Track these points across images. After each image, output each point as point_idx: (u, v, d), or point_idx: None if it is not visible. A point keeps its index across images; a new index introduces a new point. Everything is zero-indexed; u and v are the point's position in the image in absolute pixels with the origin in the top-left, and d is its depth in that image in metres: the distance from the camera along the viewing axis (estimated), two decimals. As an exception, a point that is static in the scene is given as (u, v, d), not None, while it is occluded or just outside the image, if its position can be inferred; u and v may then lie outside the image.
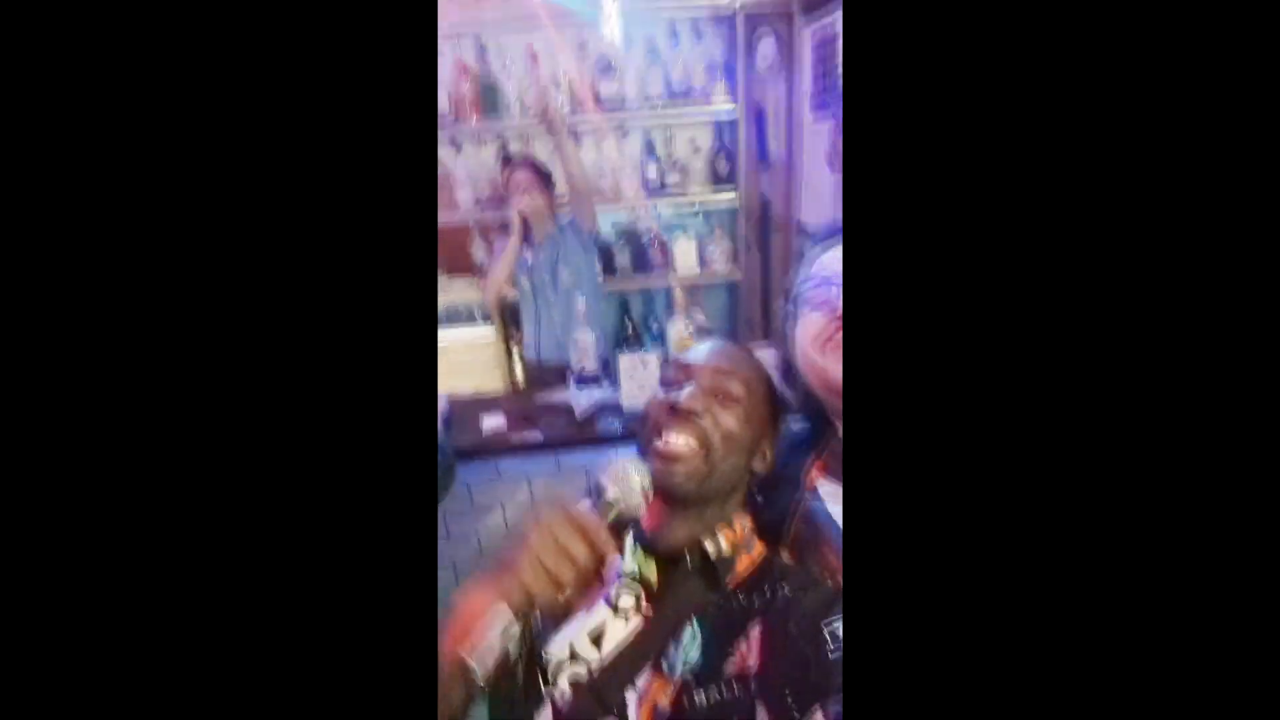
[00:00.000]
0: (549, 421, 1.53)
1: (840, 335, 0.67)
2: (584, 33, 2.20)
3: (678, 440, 0.59)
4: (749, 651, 0.55)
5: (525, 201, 1.84)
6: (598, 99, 2.23)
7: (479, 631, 0.49)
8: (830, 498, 0.70)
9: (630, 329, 2.37)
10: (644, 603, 0.61)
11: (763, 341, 2.19)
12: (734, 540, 0.62)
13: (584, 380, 1.60)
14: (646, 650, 0.57)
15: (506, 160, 2.02)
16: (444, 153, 2.31)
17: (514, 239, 1.89)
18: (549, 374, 1.86)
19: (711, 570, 0.60)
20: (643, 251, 2.42)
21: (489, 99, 2.21)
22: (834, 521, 0.69)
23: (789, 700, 0.51)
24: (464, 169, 2.29)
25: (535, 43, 2.21)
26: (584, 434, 1.51)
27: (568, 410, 1.56)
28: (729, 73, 2.22)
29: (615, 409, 1.54)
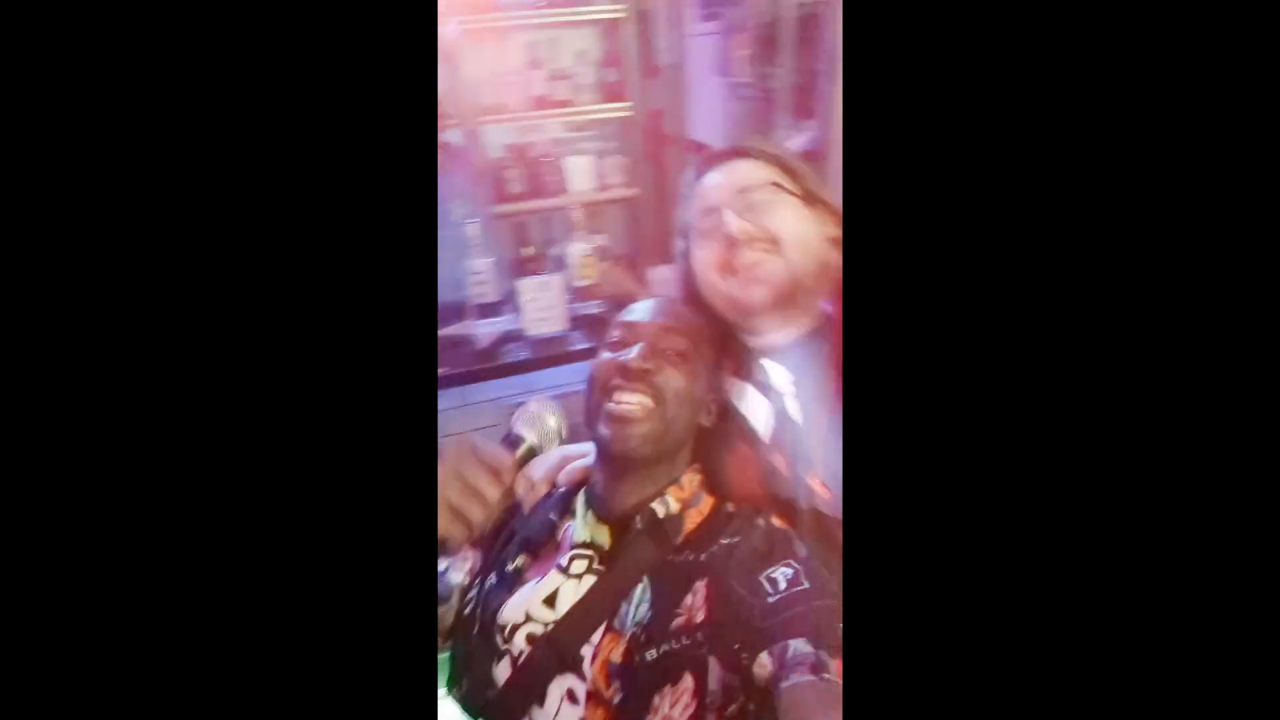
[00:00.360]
0: (450, 356, 1.47)
1: (741, 257, 0.66)
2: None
3: (631, 401, 0.59)
4: (695, 605, 0.56)
5: None
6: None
7: None
8: (739, 395, 0.72)
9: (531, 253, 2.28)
10: (596, 564, 0.62)
11: (663, 265, 2.19)
12: (683, 498, 0.63)
13: (482, 309, 1.54)
14: (599, 608, 0.58)
15: None
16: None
17: None
18: (445, 312, 1.77)
19: (661, 531, 0.61)
20: (535, 171, 2.30)
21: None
22: (746, 416, 0.72)
23: (736, 649, 0.52)
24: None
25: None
26: (489, 365, 1.47)
27: (470, 342, 1.50)
28: (611, -29, 2.08)
29: (519, 336, 1.50)
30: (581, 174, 2.30)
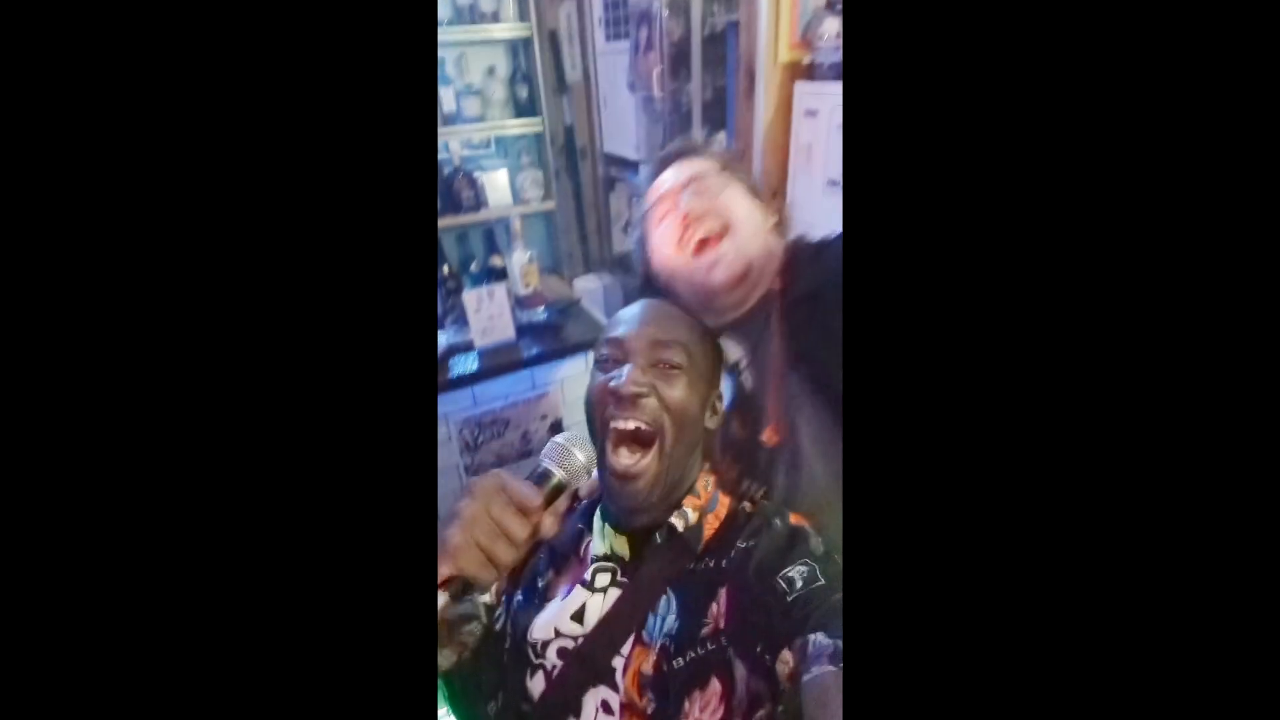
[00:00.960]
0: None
1: (698, 227, 0.70)
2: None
3: (629, 460, 0.59)
4: (719, 612, 0.56)
5: None
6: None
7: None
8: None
9: (471, 266, 2.25)
10: (619, 576, 0.62)
11: (586, 273, 2.24)
12: (699, 506, 0.63)
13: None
14: (627, 620, 0.58)
15: None
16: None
17: None
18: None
19: (681, 543, 0.61)
20: (451, 190, 2.28)
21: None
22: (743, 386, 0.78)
23: (759, 650, 0.52)
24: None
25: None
26: (441, 378, 1.45)
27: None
28: (516, -8, 2.13)
29: (468, 347, 1.50)
30: (499, 189, 2.31)
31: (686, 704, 0.53)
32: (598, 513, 0.67)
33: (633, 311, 0.67)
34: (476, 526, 0.48)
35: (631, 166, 2.03)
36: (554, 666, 0.59)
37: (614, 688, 0.56)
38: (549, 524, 0.51)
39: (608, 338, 0.65)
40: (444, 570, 0.47)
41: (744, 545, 0.59)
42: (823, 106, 1.37)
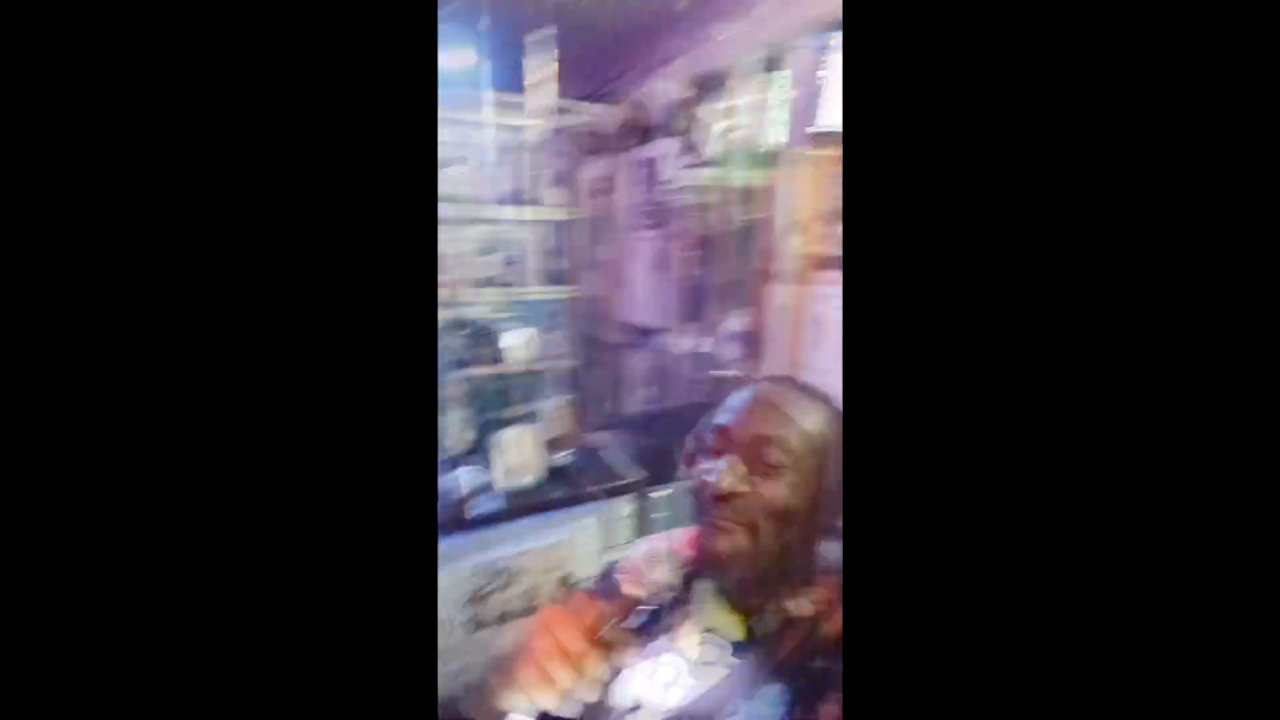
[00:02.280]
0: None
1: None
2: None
3: (720, 544, 0.55)
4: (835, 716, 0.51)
5: None
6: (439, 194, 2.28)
7: None
8: None
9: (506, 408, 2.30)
10: (721, 654, 0.57)
11: (599, 431, 2.31)
12: (823, 599, 0.58)
13: (454, 462, 1.54)
14: (724, 705, 0.54)
15: None
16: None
17: None
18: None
19: (795, 633, 0.56)
20: (478, 342, 2.42)
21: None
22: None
23: None
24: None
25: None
26: (460, 517, 1.44)
27: (449, 494, 1.48)
28: (562, 182, 2.46)
29: (488, 488, 1.50)
30: (518, 346, 2.46)
31: None
32: (704, 583, 0.62)
33: (741, 398, 0.61)
34: (545, 656, 0.48)
35: (648, 334, 2.19)
36: None
37: None
38: (619, 650, 0.50)
39: (714, 424, 0.60)
40: (514, 698, 0.48)
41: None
42: (836, 294, 1.56)
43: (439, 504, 1.45)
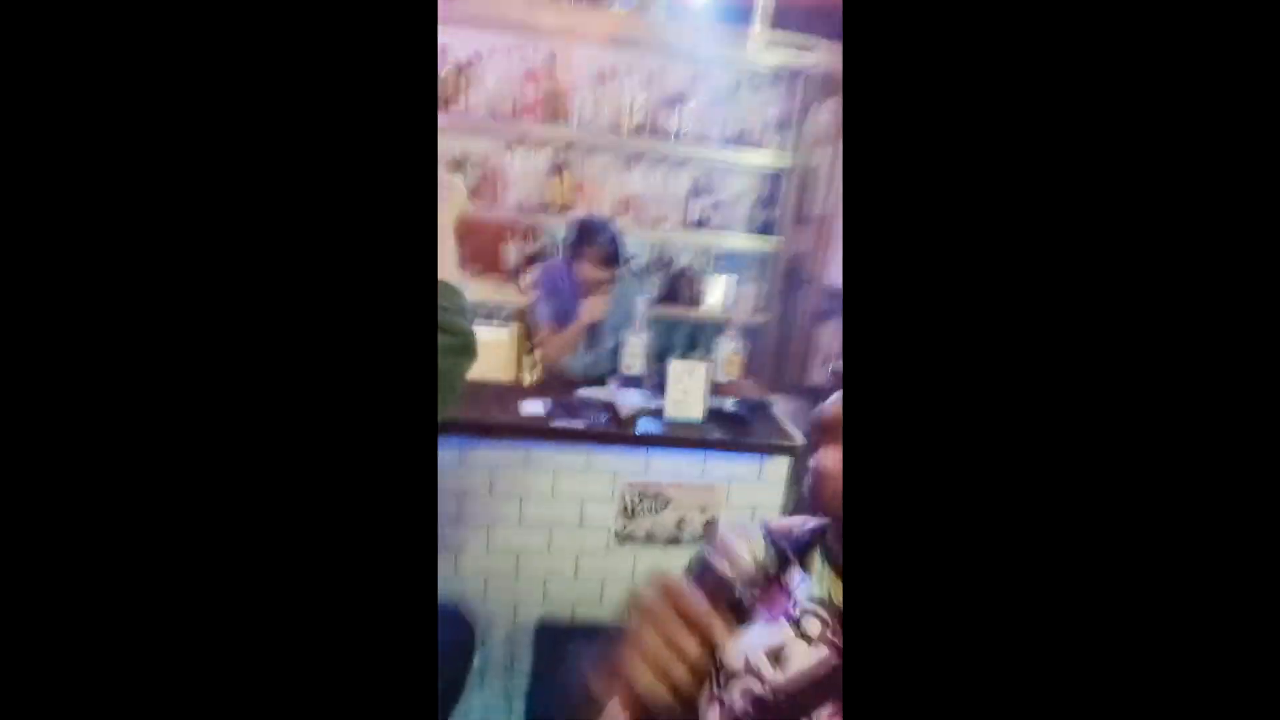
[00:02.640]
0: (592, 414, 1.50)
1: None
2: (659, 62, 2.30)
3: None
4: None
5: (597, 306, 1.84)
6: (657, 129, 2.32)
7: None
8: None
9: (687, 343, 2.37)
10: (831, 633, 0.56)
11: (775, 394, 2.22)
12: None
13: (629, 380, 1.58)
14: (833, 688, 0.52)
15: (577, 237, 1.87)
16: (499, 149, 2.34)
17: (577, 329, 1.88)
18: (571, 386, 1.84)
19: None
20: (675, 284, 2.46)
21: (551, 106, 2.27)
22: None
23: None
24: (516, 169, 2.32)
25: (609, 60, 2.29)
26: (621, 433, 1.48)
27: (610, 407, 1.53)
28: (784, 129, 2.35)
29: (657, 413, 1.52)
30: (715, 294, 2.44)
31: None
32: (818, 550, 0.60)
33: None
34: (647, 648, 0.47)
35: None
36: (737, 709, 0.54)
37: None
38: (720, 632, 0.49)
39: (813, 419, 0.62)
40: (620, 694, 0.47)
41: None
42: None
43: (604, 417, 1.50)
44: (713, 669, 0.56)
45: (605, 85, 2.30)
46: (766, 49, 2.23)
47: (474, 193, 2.29)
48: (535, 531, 1.54)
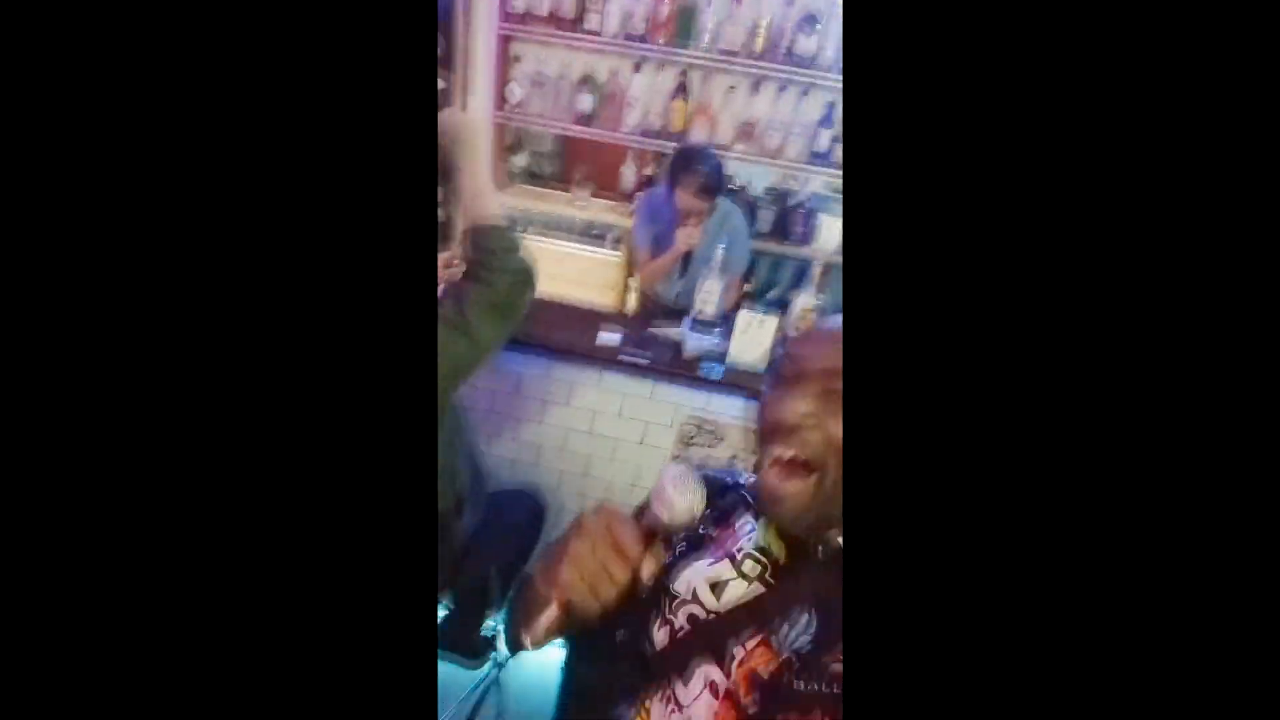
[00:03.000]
0: (658, 351, 1.62)
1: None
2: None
3: (777, 483, 0.56)
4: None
5: (693, 236, 1.87)
6: (791, 52, 2.19)
7: (539, 619, 0.54)
8: None
9: (770, 292, 2.38)
10: (768, 575, 0.61)
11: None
12: None
13: (699, 324, 1.67)
14: (761, 618, 0.58)
15: (679, 164, 1.90)
16: (624, 68, 2.36)
17: (672, 257, 1.94)
18: (665, 312, 1.94)
19: (839, 566, 0.57)
20: (787, 218, 2.41)
21: (683, 25, 2.22)
22: None
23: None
24: (639, 89, 2.34)
25: (747, -21, 2.17)
26: (685, 371, 1.59)
27: (677, 346, 1.64)
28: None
29: (721, 357, 1.61)
30: (830, 233, 2.36)
31: None
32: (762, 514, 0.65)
33: (824, 325, 0.62)
34: (582, 564, 0.52)
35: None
36: (680, 628, 0.61)
37: (726, 673, 0.57)
38: (648, 569, 0.54)
39: (787, 350, 0.61)
40: (552, 596, 0.53)
41: None
42: None
43: (669, 355, 1.62)
44: (663, 595, 0.63)
45: (740, 3, 2.19)
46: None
47: (596, 114, 2.37)
48: (604, 443, 1.75)
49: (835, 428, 0.55)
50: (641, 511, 0.56)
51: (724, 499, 0.70)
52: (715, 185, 1.86)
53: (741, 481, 0.72)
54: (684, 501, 0.56)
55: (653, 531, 0.55)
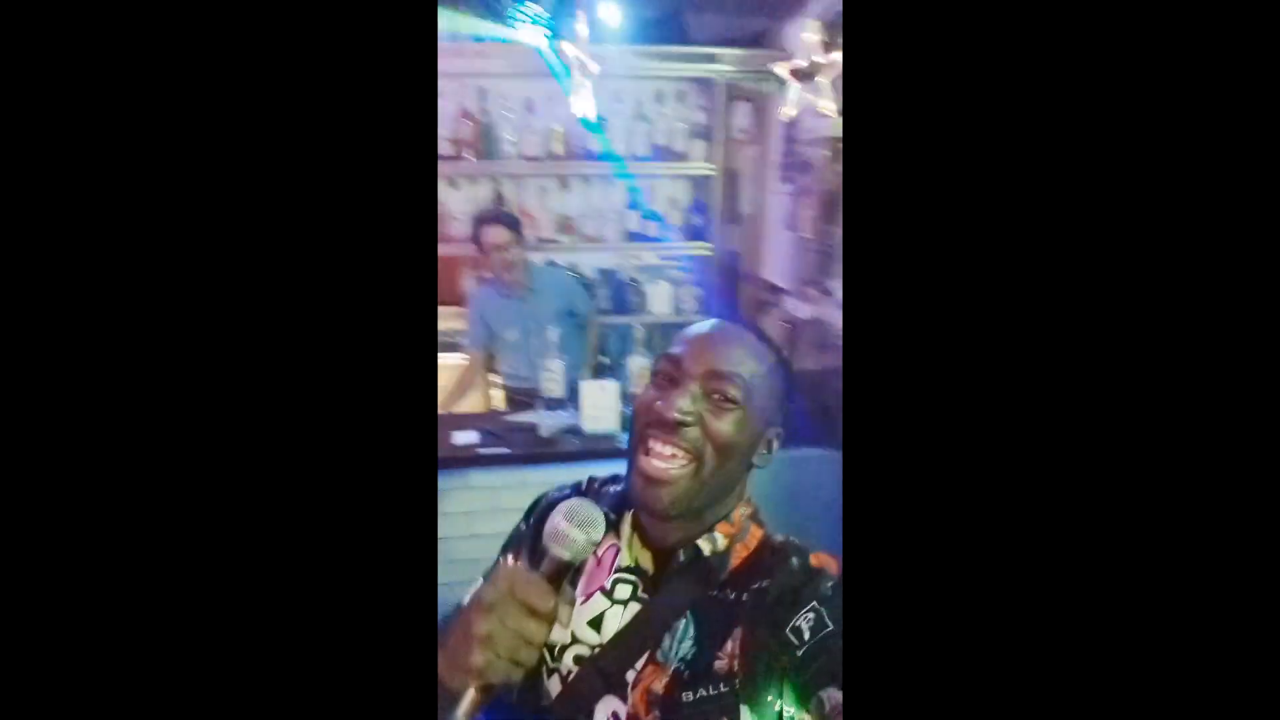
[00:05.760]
0: (518, 439, 1.68)
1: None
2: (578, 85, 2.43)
3: (661, 465, 0.57)
4: (734, 651, 0.56)
5: (505, 260, 1.97)
6: (588, 149, 2.46)
7: (456, 713, 0.50)
8: None
9: (604, 360, 2.53)
10: (640, 591, 0.61)
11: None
12: (730, 533, 0.62)
13: (551, 404, 1.75)
14: (643, 637, 0.59)
15: (476, 221, 2.04)
16: (442, 190, 2.51)
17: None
18: (523, 398, 2.01)
19: (706, 568, 0.60)
20: (621, 293, 2.61)
21: (487, 141, 2.43)
22: None
23: (769, 700, 0.53)
24: (459, 205, 2.49)
25: (533, 93, 2.43)
26: (548, 451, 1.66)
27: (534, 430, 1.71)
28: (707, 136, 2.46)
29: (577, 431, 1.69)
30: (660, 299, 2.59)
31: None
32: (627, 522, 0.65)
33: (700, 330, 0.63)
34: (497, 644, 0.48)
35: (779, 292, 2.15)
36: (569, 672, 0.60)
37: (624, 699, 0.57)
38: (564, 616, 0.51)
39: (667, 353, 0.62)
40: (473, 683, 0.48)
41: (760, 585, 0.59)
42: None
43: (535, 437, 1.68)
44: (545, 649, 0.58)
45: (532, 114, 2.44)
46: (679, 62, 2.35)
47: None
48: (488, 542, 1.74)
49: (714, 423, 0.57)
50: (538, 561, 0.54)
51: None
52: (514, 221, 1.97)
53: (613, 490, 0.70)
54: (583, 534, 0.54)
55: (556, 575, 0.53)
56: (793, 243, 2.14)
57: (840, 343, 1.73)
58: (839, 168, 1.86)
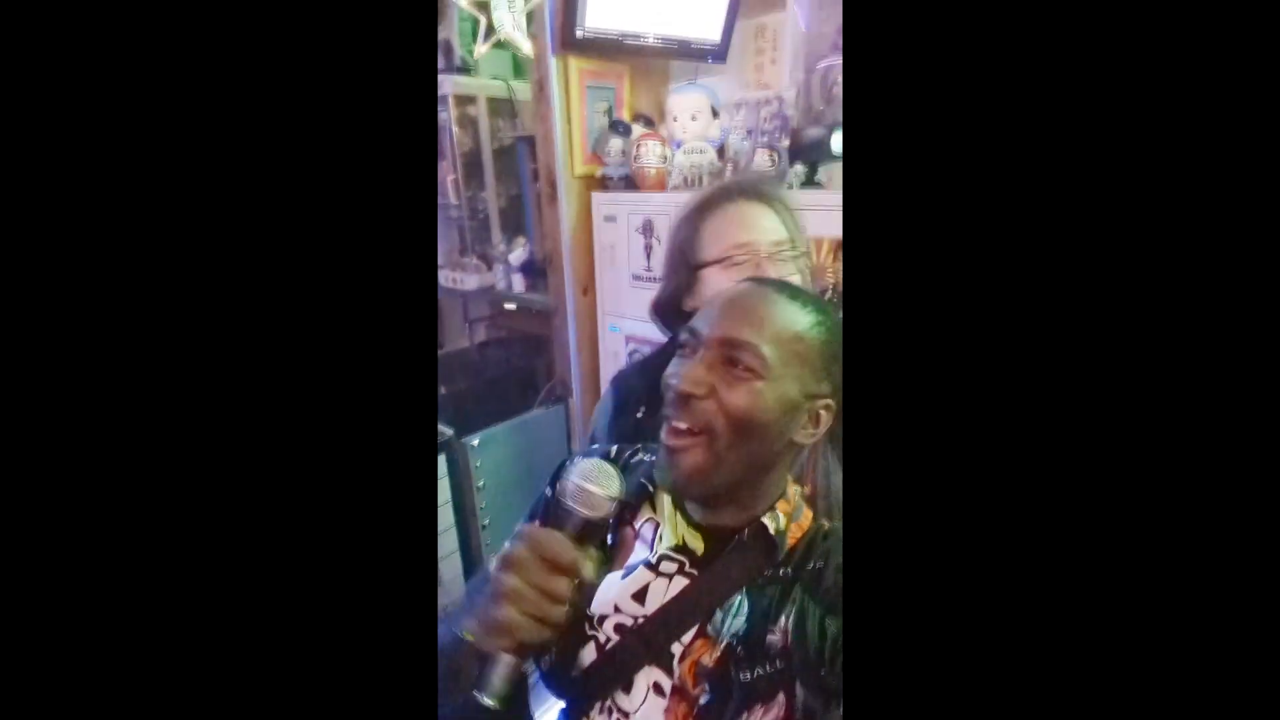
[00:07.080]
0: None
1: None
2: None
3: (674, 441, 0.54)
4: (788, 627, 0.54)
5: None
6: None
7: (493, 675, 0.48)
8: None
9: None
10: (688, 568, 0.59)
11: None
12: (788, 511, 0.59)
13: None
14: (694, 611, 0.56)
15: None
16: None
17: None
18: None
19: (767, 544, 0.58)
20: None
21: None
22: None
23: (822, 673, 0.52)
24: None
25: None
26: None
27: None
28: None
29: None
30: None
31: (746, 715, 0.53)
32: (667, 500, 0.62)
33: (725, 294, 0.59)
34: (523, 600, 0.48)
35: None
36: (608, 640, 0.58)
37: (668, 671, 0.56)
38: (589, 570, 0.51)
39: (690, 325, 0.58)
40: (503, 644, 0.48)
41: (815, 566, 0.57)
42: (620, 212, 1.53)
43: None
44: (586, 615, 0.59)
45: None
46: None
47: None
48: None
49: (730, 397, 0.53)
50: (561, 521, 0.53)
51: (628, 479, 0.62)
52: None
53: (646, 460, 0.68)
54: (602, 491, 0.54)
55: (582, 533, 0.53)
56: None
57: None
58: (470, 131, 1.69)
